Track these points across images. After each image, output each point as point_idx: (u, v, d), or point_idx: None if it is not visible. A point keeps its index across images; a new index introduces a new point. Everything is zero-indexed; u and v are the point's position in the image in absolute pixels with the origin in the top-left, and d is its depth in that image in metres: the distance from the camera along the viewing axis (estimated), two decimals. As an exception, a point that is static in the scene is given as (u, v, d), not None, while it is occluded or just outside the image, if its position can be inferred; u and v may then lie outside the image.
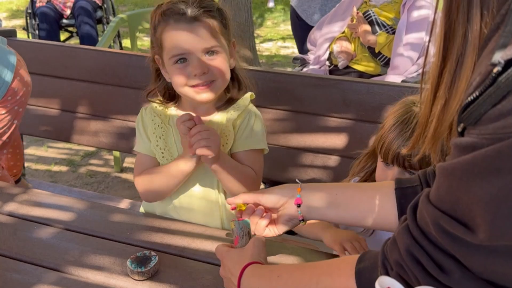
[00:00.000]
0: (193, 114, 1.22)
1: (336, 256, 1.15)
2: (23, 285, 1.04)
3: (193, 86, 1.22)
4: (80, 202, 1.37)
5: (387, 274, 0.70)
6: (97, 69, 2.02)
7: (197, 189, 1.31)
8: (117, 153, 3.28)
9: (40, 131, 2.18)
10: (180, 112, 1.31)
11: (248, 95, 1.34)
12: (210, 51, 1.21)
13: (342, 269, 0.80)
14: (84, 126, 2.08)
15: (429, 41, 0.69)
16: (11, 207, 1.32)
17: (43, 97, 2.12)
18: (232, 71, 1.30)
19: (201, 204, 1.31)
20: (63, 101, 2.10)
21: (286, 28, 6.87)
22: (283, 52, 5.90)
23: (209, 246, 1.17)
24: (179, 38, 1.20)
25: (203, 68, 1.19)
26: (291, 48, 6.00)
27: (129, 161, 3.42)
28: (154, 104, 1.34)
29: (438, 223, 0.61)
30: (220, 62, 1.23)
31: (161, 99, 1.34)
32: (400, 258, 0.67)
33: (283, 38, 6.40)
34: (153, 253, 1.11)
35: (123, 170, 3.32)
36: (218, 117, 1.31)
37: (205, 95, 1.23)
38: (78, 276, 1.08)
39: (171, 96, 1.34)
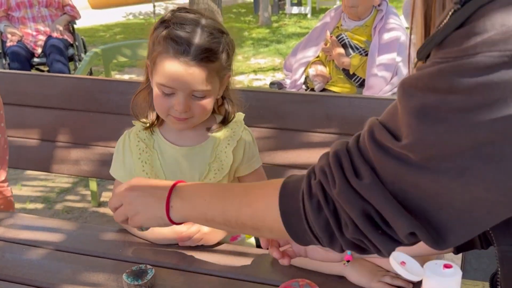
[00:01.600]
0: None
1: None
2: (16, 306, 1.01)
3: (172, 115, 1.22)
4: (69, 224, 1.34)
5: (310, 183, 0.73)
6: (77, 96, 2.01)
7: None
8: (94, 187, 3.23)
9: (19, 163, 2.13)
10: (164, 138, 1.29)
11: (241, 119, 1.34)
12: (198, 93, 1.19)
13: (270, 184, 0.82)
14: (65, 154, 2.05)
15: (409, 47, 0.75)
16: (-4, 231, 1.29)
17: (22, 128, 2.09)
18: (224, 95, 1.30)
19: None
20: (43, 131, 2.07)
21: (256, 61, 7.00)
22: (255, 84, 5.98)
23: (205, 257, 1.16)
24: (172, 74, 1.16)
25: (185, 108, 1.19)
26: (263, 80, 6.10)
27: (106, 195, 3.36)
28: (138, 128, 1.32)
29: (371, 130, 0.65)
30: (205, 104, 1.21)
31: (145, 120, 1.31)
32: (326, 163, 0.70)
33: (255, 71, 6.51)
34: (148, 266, 1.09)
35: (100, 204, 3.26)
36: (211, 142, 1.30)
37: (180, 126, 1.25)
38: (73, 293, 1.06)
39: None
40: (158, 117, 1.29)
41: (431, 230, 0.61)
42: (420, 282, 1.04)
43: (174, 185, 0.93)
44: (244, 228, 0.85)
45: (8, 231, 1.29)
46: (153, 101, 1.25)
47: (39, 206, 3.29)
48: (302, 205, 0.73)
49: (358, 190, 0.65)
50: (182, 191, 0.92)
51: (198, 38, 1.14)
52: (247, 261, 1.15)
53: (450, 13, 0.59)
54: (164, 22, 1.18)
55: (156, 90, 1.21)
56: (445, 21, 0.59)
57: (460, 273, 0.60)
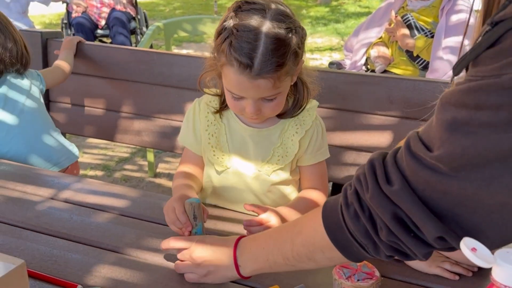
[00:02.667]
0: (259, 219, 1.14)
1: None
2: (84, 265, 1.07)
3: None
4: (132, 191, 1.40)
5: (346, 194, 0.78)
6: (141, 69, 2.07)
7: (246, 179, 1.30)
8: (151, 158, 3.32)
9: (85, 130, 2.23)
10: (234, 113, 1.27)
11: (315, 108, 1.30)
12: (268, 97, 1.16)
13: (316, 209, 0.86)
14: (128, 125, 2.12)
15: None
16: (66, 194, 1.36)
17: (89, 97, 2.18)
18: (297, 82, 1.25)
19: (250, 194, 1.31)
20: (108, 101, 2.15)
21: (314, 41, 6.92)
22: (311, 63, 5.92)
23: (259, 229, 1.17)
24: (237, 86, 1.13)
25: (256, 111, 1.17)
26: (319, 60, 6.04)
27: (162, 167, 3.46)
28: (208, 99, 1.30)
29: (408, 141, 0.70)
30: (275, 105, 1.19)
31: (215, 90, 1.29)
32: (362, 171, 0.75)
33: (311, 51, 6.44)
34: (207, 235, 1.12)
35: (156, 175, 3.36)
36: (280, 127, 1.28)
37: (255, 122, 1.26)
38: (137, 257, 1.10)
39: None
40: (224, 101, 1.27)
41: (462, 235, 0.64)
42: (481, 271, 1.03)
43: (236, 244, 0.98)
44: (300, 258, 0.88)
45: (76, 194, 1.36)
46: (221, 83, 1.22)
47: (99, 173, 3.43)
48: (341, 216, 0.78)
49: (388, 195, 0.70)
50: (244, 247, 0.98)
51: (262, 49, 1.07)
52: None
53: (484, 32, 0.63)
54: (226, 26, 1.11)
55: (226, 92, 1.20)
56: (479, 39, 0.63)
57: (533, 263, 0.59)
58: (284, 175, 1.30)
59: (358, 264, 0.98)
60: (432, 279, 1.02)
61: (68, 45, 2.11)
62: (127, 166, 3.54)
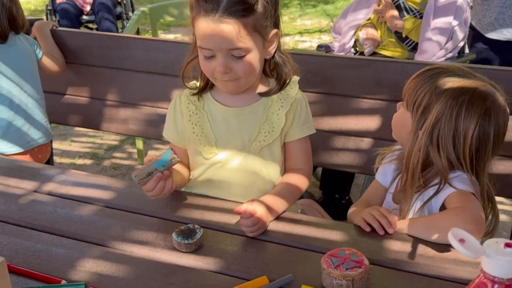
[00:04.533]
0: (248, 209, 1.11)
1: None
2: (68, 259, 1.05)
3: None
4: (118, 182, 1.37)
5: None
6: (126, 56, 2.02)
7: (235, 162, 1.30)
8: (140, 146, 3.29)
9: (70, 119, 2.19)
10: (214, 99, 1.28)
11: (296, 81, 1.31)
12: (235, 52, 1.15)
13: None
14: (113, 113, 2.08)
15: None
16: (49, 187, 1.33)
17: (73, 86, 2.13)
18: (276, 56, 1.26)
19: (240, 177, 1.30)
20: (92, 89, 2.11)
21: (303, 23, 6.86)
22: (301, 46, 5.88)
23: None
24: (206, 34, 1.14)
25: (225, 69, 1.16)
26: (308, 42, 5.99)
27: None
28: (188, 91, 1.31)
29: None
30: (246, 63, 1.17)
31: (196, 82, 1.31)
32: None
33: (300, 33, 6.38)
34: (196, 226, 1.10)
35: (146, 162, 3.33)
36: (263, 103, 1.28)
37: (229, 89, 1.24)
38: (122, 250, 1.08)
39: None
40: (207, 83, 1.29)
41: None
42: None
43: None
44: None
45: (60, 187, 1.33)
46: (199, 67, 1.23)
47: (87, 162, 3.39)
48: None
49: None
50: None
51: None
52: (294, 229, 1.15)
53: None
54: None
55: (199, 55, 1.20)
56: None
57: (522, 253, 0.57)
58: (273, 152, 1.29)
59: (347, 252, 0.97)
60: (422, 266, 1.01)
61: (42, 35, 2.07)
62: (116, 154, 3.50)
